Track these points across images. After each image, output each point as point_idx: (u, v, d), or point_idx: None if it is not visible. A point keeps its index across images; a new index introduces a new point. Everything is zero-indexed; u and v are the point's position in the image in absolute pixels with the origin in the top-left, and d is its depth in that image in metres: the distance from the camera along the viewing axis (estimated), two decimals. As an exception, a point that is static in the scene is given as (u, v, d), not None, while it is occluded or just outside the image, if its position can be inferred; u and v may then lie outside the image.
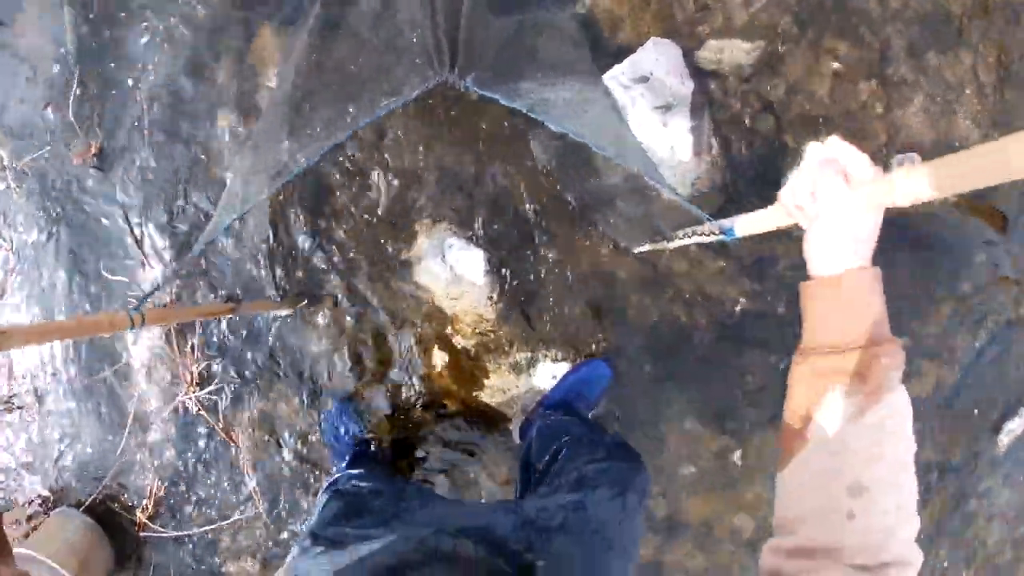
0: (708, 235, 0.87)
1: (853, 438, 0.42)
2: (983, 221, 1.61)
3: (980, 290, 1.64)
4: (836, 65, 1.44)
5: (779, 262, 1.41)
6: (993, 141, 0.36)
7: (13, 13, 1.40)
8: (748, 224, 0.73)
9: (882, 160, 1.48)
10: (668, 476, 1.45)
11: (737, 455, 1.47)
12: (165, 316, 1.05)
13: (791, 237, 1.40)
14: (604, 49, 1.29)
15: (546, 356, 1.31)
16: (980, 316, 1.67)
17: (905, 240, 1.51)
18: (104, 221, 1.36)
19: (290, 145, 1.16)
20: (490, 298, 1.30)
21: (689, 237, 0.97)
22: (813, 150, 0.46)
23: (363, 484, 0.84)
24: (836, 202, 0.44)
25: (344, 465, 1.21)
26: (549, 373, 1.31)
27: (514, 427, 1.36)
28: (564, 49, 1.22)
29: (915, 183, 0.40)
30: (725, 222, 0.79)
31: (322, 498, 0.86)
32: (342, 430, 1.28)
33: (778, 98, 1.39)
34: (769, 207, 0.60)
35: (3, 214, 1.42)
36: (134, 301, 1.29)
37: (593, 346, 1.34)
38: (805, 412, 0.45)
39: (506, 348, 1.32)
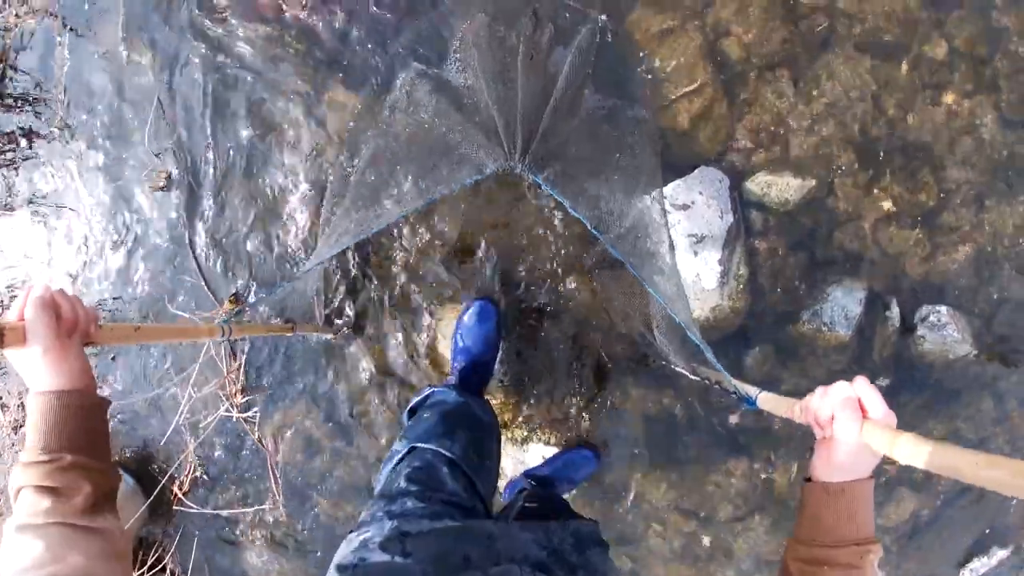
0: (731, 392, 0.93)
1: None
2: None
3: (978, 434, 1.66)
4: (887, 206, 1.44)
5: (780, 391, 1.47)
6: (1007, 460, 0.40)
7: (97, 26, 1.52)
8: (770, 403, 0.78)
9: (911, 307, 1.49)
10: (639, 543, 1.59)
11: (706, 540, 1.60)
12: (244, 329, 1.21)
13: (794, 380, 1.46)
14: (655, 163, 1.33)
15: (539, 439, 1.44)
16: (974, 457, 1.71)
17: (912, 376, 1.54)
18: (170, 242, 1.52)
19: (374, 208, 1.28)
20: (500, 381, 1.42)
21: (713, 382, 1.03)
22: (841, 387, 0.54)
23: (442, 453, 0.86)
24: (848, 436, 0.52)
25: (452, 379, 1.28)
26: (539, 453, 1.44)
27: (500, 484, 1.52)
28: (641, 158, 1.27)
29: (913, 454, 0.47)
30: (752, 390, 0.83)
31: (400, 446, 0.88)
32: (465, 337, 1.29)
33: (817, 236, 1.40)
34: (794, 400, 0.68)
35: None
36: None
37: (586, 435, 1.46)
38: None
39: (508, 423, 1.46)
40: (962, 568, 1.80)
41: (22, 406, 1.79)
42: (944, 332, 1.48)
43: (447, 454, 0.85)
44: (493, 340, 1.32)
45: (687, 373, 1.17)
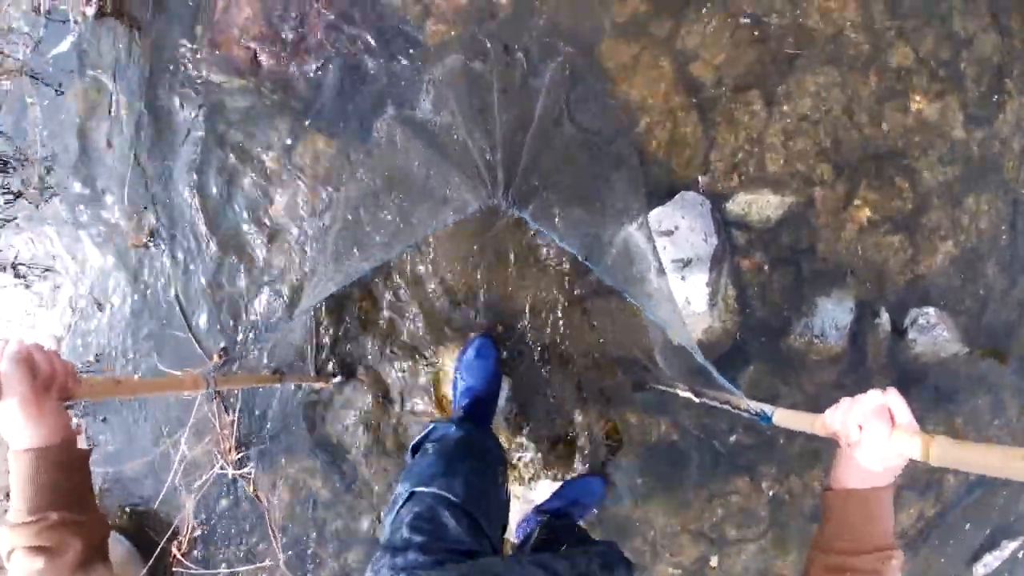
0: (743, 411, 0.93)
1: None
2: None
3: (977, 429, 1.67)
4: (866, 214, 1.46)
5: (779, 406, 1.47)
6: None
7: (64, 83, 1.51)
8: (787, 418, 0.78)
9: (899, 312, 1.50)
10: (650, 570, 1.57)
11: (715, 561, 1.59)
12: (230, 381, 1.19)
13: (791, 395, 1.46)
14: (636, 189, 1.34)
15: (546, 475, 1.43)
16: (976, 454, 1.71)
17: (908, 379, 1.55)
18: (155, 298, 1.51)
19: (359, 253, 1.28)
20: (505, 420, 1.41)
21: (723, 403, 1.02)
22: (873, 395, 0.55)
23: (444, 496, 0.84)
24: (878, 443, 0.53)
25: (456, 415, 1.26)
26: (547, 490, 1.43)
27: (512, 523, 1.49)
28: (621, 184, 1.28)
29: (948, 456, 0.48)
30: (766, 408, 0.84)
31: (402, 489, 0.87)
32: (465, 376, 1.28)
33: (801, 250, 1.42)
34: (813, 414, 0.68)
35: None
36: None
37: (589, 464, 1.45)
38: None
39: (514, 462, 1.44)
40: (974, 563, 1.79)
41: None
42: (934, 333, 1.49)
43: (449, 496, 0.84)
44: (494, 376, 1.32)
45: (692, 396, 1.17)
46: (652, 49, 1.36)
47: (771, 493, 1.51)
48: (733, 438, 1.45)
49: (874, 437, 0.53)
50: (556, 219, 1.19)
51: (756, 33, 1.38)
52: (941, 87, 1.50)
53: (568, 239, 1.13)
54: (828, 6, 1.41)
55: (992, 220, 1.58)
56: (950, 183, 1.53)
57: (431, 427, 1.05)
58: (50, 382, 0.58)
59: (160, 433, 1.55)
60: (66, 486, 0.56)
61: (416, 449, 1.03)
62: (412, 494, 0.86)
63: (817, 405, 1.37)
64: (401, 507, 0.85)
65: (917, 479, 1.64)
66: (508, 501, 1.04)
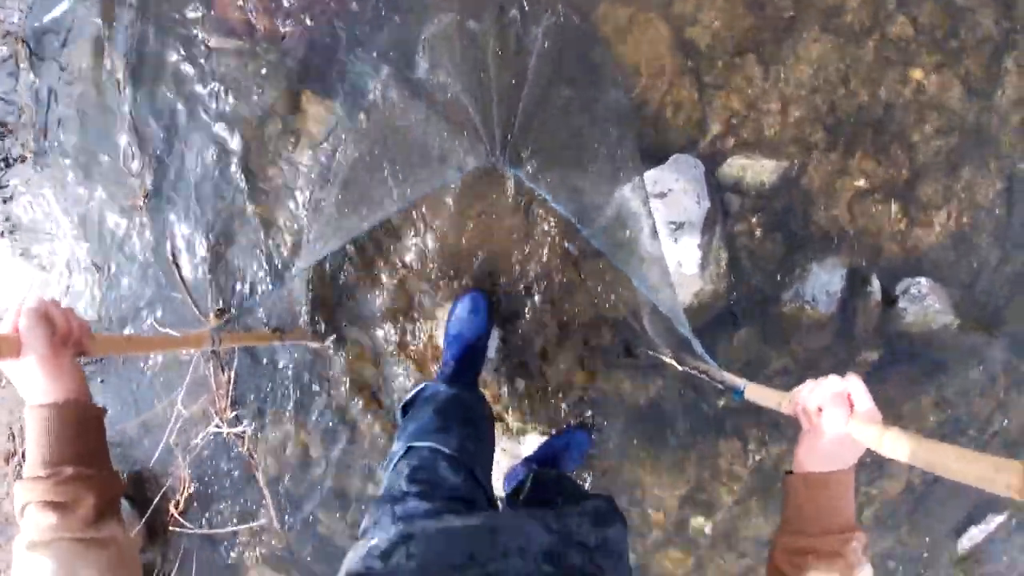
0: (718, 382, 0.95)
1: None
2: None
3: (967, 402, 1.68)
4: (861, 183, 1.46)
5: (769, 371, 1.49)
6: (988, 456, 0.43)
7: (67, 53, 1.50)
8: (757, 393, 0.81)
9: (891, 281, 1.51)
10: (639, 534, 1.60)
11: (706, 527, 1.61)
12: (233, 339, 1.22)
13: (781, 359, 1.47)
14: (631, 152, 1.34)
15: (535, 428, 1.45)
16: (963, 426, 1.73)
17: (897, 349, 1.55)
18: (152, 259, 1.51)
19: (357, 212, 1.29)
20: (495, 370, 1.43)
21: (700, 372, 1.05)
22: (833, 380, 0.56)
23: (439, 449, 0.85)
24: (835, 427, 0.55)
25: (445, 369, 1.28)
26: (535, 443, 1.45)
27: (498, 479, 1.52)
28: (619, 144, 1.29)
29: (899, 449, 0.49)
30: (739, 381, 0.86)
31: (398, 446, 0.88)
32: (460, 326, 1.29)
33: (795, 215, 1.42)
34: (781, 392, 0.70)
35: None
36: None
37: (578, 419, 1.47)
38: None
39: (503, 415, 1.46)
40: (960, 536, 1.82)
41: (12, 436, 1.77)
42: (925, 303, 1.50)
43: (444, 449, 0.86)
44: (484, 329, 1.33)
45: (674, 363, 1.18)
46: (649, 12, 1.35)
47: (756, 458, 1.53)
48: (722, 401, 1.46)
49: (831, 421, 0.54)
50: (551, 179, 1.20)
51: (754, -2, 1.37)
52: (940, 59, 1.49)
53: (561, 200, 1.14)
54: (827, -29, 1.40)
55: (987, 193, 1.58)
56: (946, 154, 1.52)
57: (422, 386, 1.07)
58: (67, 338, 0.59)
59: (156, 394, 1.56)
60: (81, 441, 0.56)
61: (407, 407, 1.05)
62: (408, 449, 0.88)
63: (807, 371, 1.38)
64: (398, 462, 0.87)
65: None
66: (493, 449, 1.07)
